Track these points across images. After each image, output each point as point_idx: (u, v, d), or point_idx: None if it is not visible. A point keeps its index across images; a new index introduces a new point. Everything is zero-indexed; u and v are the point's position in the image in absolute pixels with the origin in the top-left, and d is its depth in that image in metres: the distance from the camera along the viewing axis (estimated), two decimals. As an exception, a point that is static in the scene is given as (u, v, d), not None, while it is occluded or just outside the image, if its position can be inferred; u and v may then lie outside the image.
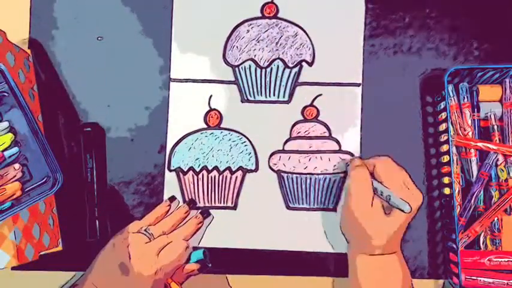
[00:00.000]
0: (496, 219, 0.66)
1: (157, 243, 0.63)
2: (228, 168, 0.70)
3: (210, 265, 0.67)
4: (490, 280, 0.65)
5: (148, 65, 0.71)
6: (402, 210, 0.59)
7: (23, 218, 0.59)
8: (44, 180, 0.61)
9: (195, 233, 0.68)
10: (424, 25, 0.72)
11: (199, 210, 0.70)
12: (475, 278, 0.65)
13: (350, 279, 0.64)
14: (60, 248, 0.68)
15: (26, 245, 0.59)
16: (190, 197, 0.70)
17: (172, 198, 0.70)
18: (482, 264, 0.65)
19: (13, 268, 0.69)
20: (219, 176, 0.70)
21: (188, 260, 0.66)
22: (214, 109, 0.71)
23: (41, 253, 0.63)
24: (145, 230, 0.64)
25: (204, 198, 0.70)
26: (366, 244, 0.62)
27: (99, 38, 0.71)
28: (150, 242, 0.63)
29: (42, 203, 0.64)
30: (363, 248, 0.63)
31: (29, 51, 0.70)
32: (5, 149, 0.59)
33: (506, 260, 0.65)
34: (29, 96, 0.65)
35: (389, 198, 0.60)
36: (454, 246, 0.65)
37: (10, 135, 0.59)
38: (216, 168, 0.70)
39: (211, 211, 0.70)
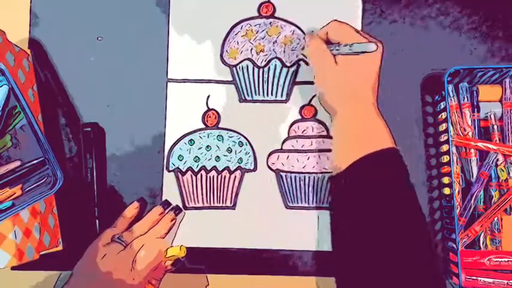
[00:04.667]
0: (496, 219, 0.66)
1: (132, 250, 0.63)
2: (227, 168, 0.70)
3: (183, 259, 0.68)
4: (490, 280, 0.64)
5: (147, 65, 0.71)
6: (367, 52, 0.61)
7: (23, 217, 0.59)
8: (44, 180, 0.61)
9: (169, 230, 0.68)
10: (424, 25, 0.72)
11: (171, 207, 0.69)
12: (475, 278, 0.65)
13: (336, 145, 0.63)
14: (60, 247, 0.68)
15: (27, 245, 0.59)
16: (188, 197, 0.70)
17: (140, 201, 0.70)
18: (482, 264, 0.65)
19: (13, 268, 0.69)
20: (217, 176, 0.70)
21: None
22: (212, 109, 0.71)
23: (42, 253, 0.63)
24: (118, 238, 0.64)
25: (202, 199, 0.70)
26: (349, 103, 0.62)
27: (99, 38, 0.71)
28: (125, 249, 0.63)
29: (42, 202, 0.64)
30: (346, 110, 0.62)
31: (28, 51, 0.70)
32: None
33: (506, 260, 0.65)
34: (28, 96, 0.66)
35: (352, 48, 0.61)
36: (454, 246, 0.65)
37: (7, 136, 0.60)
38: (214, 168, 0.70)
39: (209, 211, 0.70)
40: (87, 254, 0.63)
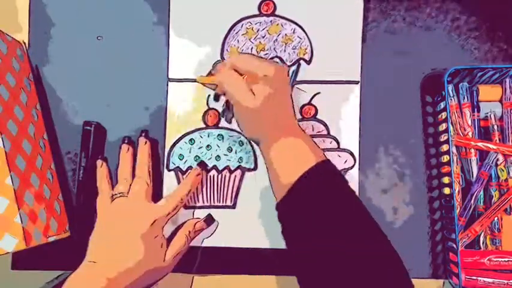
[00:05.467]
0: (496, 219, 0.66)
1: (133, 192, 0.64)
2: (227, 167, 0.70)
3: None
4: (490, 280, 0.64)
5: (147, 64, 0.71)
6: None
7: (27, 202, 0.59)
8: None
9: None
10: (424, 25, 0.72)
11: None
12: (475, 278, 0.65)
13: (270, 175, 0.61)
14: (68, 234, 0.68)
15: (33, 229, 0.58)
16: (188, 196, 0.70)
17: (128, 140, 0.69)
18: (482, 264, 0.65)
19: (13, 268, 0.69)
20: (218, 175, 0.70)
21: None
22: (213, 108, 0.71)
23: (50, 239, 0.62)
24: (116, 194, 0.65)
25: (203, 198, 0.70)
26: (271, 131, 0.60)
27: (99, 38, 0.71)
28: (128, 197, 0.64)
29: (47, 189, 0.64)
30: (269, 139, 0.60)
31: (21, 40, 0.70)
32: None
33: (506, 259, 0.65)
34: (25, 85, 0.66)
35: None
36: (454, 246, 0.65)
37: None
38: (214, 167, 0.70)
39: (209, 210, 0.70)
40: (98, 225, 0.64)
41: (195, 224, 0.67)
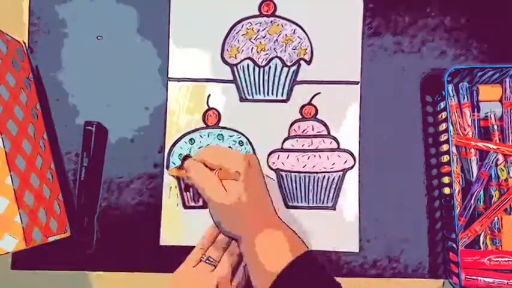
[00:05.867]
0: (496, 218, 0.66)
1: (224, 269, 0.60)
2: (227, 167, 0.70)
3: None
4: (490, 280, 0.64)
5: (147, 64, 0.71)
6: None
7: (27, 202, 0.59)
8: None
9: None
10: (424, 24, 0.72)
11: None
12: (475, 277, 0.65)
13: (252, 269, 0.58)
14: (68, 234, 0.68)
15: (33, 229, 0.58)
16: (188, 197, 0.70)
17: None
18: (482, 264, 0.65)
19: (13, 268, 0.69)
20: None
21: None
22: (213, 108, 0.71)
23: (50, 239, 0.62)
24: (207, 259, 0.62)
25: (202, 198, 0.70)
26: (251, 227, 0.58)
27: (98, 38, 0.71)
28: (216, 269, 0.61)
29: (47, 188, 0.64)
30: (248, 235, 0.58)
31: (21, 40, 0.70)
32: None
33: (506, 259, 0.65)
34: (25, 85, 0.66)
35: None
36: (454, 246, 0.65)
37: None
38: (214, 167, 0.70)
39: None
40: (174, 279, 0.61)
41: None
